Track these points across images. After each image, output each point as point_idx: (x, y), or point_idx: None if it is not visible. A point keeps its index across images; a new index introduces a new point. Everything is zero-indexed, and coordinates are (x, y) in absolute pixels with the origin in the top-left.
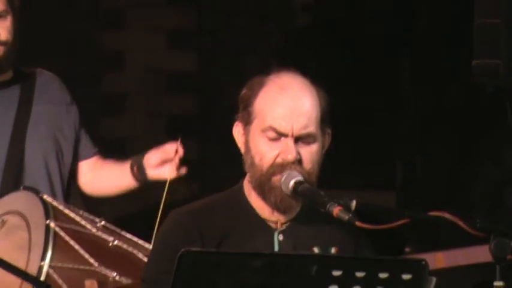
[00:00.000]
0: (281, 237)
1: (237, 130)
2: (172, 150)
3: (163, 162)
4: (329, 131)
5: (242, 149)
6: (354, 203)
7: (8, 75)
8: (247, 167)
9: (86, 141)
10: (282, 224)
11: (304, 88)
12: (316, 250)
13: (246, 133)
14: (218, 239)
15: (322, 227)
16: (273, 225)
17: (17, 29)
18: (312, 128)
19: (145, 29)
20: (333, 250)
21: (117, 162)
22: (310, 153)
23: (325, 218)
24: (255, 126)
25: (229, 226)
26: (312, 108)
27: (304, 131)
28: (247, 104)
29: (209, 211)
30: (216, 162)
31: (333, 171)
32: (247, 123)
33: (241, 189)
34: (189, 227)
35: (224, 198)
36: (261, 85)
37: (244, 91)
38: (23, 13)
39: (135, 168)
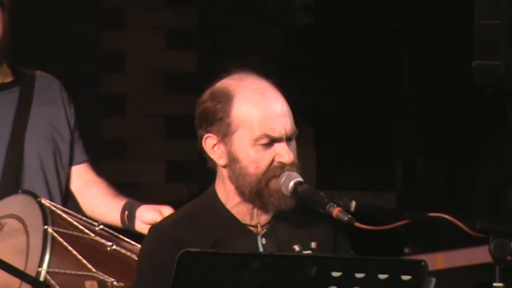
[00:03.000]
0: (264, 240)
1: (209, 142)
2: (169, 213)
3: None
4: None
5: (221, 161)
6: (353, 204)
7: (8, 78)
8: (234, 177)
9: (78, 146)
10: (262, 226)
11: (273, 88)
12: (297, 248)
13: (227, 144)
14: (207, 249)
15: (300, 224)
16: (254, 230)
17: (8, 25)
18: (294, 125)
19: (145, 29)
20: (313, 245)
21: (113, 192)
22: (295, 150)
23: (301, 214)
24: (241, 136)
25: (215, 236)
26: (287, 106)
27: (292, 131)
28: (221, 116)
29: (192, 221)
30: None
31: (333, 172)
32: (225, 134)
33: (215, 196)
34: (177, 238)
35: (203, 207)
36: (229, 94)
37: (207, 103)
38: (23, 13)
39: (126, 212)
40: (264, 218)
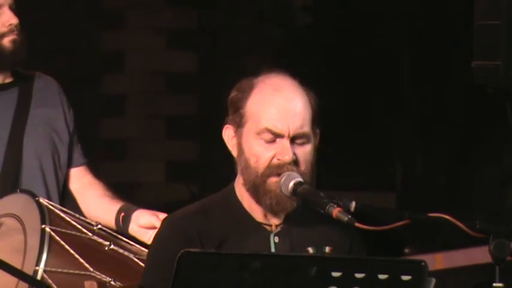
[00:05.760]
0: (277, 239)
1: (227, 133)
2: None
3: (150, 227)
4: (318, 131)
5: (234, 152)
6: (353, 204)
7: (7, 78)
8: (240, 169)
9: (77, 149)
10: (277, 226)
11: (295, 89)
12: (310, 250)
13: (238, 136)
14: (216, 243)
15: (316, 227)
16: (268, 228)
17: (22, 29)
18: (306, 128)
19: (145, 29)
20: (327, 249)
21: (110, 195)
22: (304, 153)
23: (319, 217)
24: (249, 129)
25: (226, 230)
26: (304, 109)
27: (300, 131)
28: (239, 106)
29: (205, 215)
30: (216, 163)
31: (333, 172)
32: (239, 125)
33: (233, 192)
34: (189, 230)
35: (218, 202)
36: (251, 87)
37: (233, 93)
38: (22, 13)
39: (121, 215)
40: (279, 218)
